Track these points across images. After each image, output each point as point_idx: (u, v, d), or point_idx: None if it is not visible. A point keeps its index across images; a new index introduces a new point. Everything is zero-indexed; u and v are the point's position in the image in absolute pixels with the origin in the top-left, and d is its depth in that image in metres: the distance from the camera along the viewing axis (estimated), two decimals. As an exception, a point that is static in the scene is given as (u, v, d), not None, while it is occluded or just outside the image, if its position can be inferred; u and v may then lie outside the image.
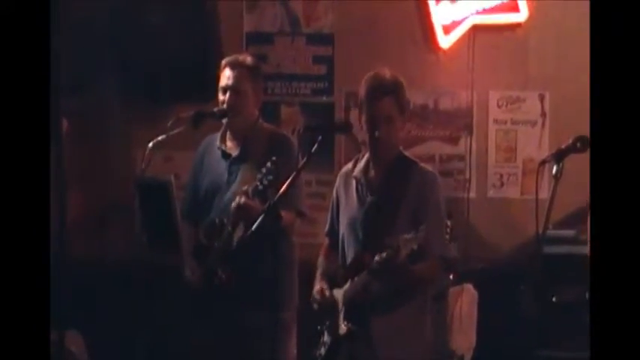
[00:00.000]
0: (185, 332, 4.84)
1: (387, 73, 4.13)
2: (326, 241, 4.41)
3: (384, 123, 4.06)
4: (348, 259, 4.16)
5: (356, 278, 4.03)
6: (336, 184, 4.34)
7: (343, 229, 4.22)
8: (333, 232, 4.32)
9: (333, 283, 4.18)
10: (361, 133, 5.96)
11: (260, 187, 4.20)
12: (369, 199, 4.12)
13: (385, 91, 4.06)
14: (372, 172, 4.17)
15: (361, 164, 4.21)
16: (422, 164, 4.21)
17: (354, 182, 4.20)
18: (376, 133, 4.08)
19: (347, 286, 4.07)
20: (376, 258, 3.83)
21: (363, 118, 4.13)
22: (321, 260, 4.38)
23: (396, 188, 4.07)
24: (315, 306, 4.18)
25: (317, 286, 4.23)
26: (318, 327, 4.18)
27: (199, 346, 4.65)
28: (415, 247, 3.72)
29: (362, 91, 4.16)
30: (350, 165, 4.30)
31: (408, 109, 4.21)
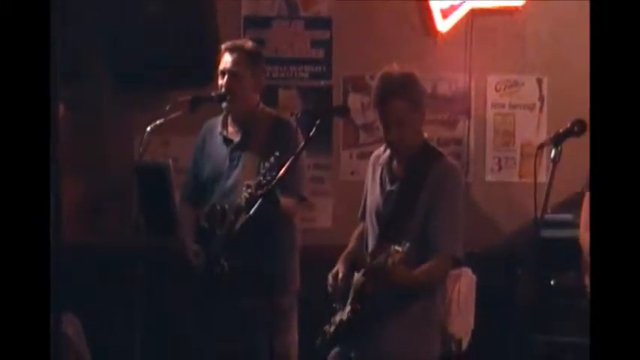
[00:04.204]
0: (184, 317, 4.86)
1: (395, 71, 4.05)
2: (360, 225, 4.39)
3: (396, 126, 4.02)
4: (369, 247, 4.18)
5: (363, 270, 4.04)
6: (368, 167, 4.33)
7: (367, 215, 4.24)
8: (364, 217, 4.32)
9: (356, 266, 4.17)
10: (359, 117, 6.06)
11: (263, 181, 4.20)
12: (388, 188, 4.12)
13: (393, 95, 3.99)
14: (394, 162, 4.16)
15: (388, 152, 4.18)
16: (446, 156, 4.18)
17: (379, 169, 4.20)
18: (388, 136, 4.07)
19: (360, 273, 4.07)
20: (374, 260, 3.86)
21: (377, 118, 4.10)
22: (351, 241, 4.38)
23: (416, 179, 4.05)
24: (330, 289, 4.18)
25: (334, 269, 4.22)
26: (334, 305, 4.18)
27: (198, 330, 4.67)
28: (397, 261, 3.74)
29: (372, 90, 4.12)
30: (381, 149, 4.27)
31: (424, 103, 4.12)
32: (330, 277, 4.20)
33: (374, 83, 4.11)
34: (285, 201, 4.38)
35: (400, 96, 3.99)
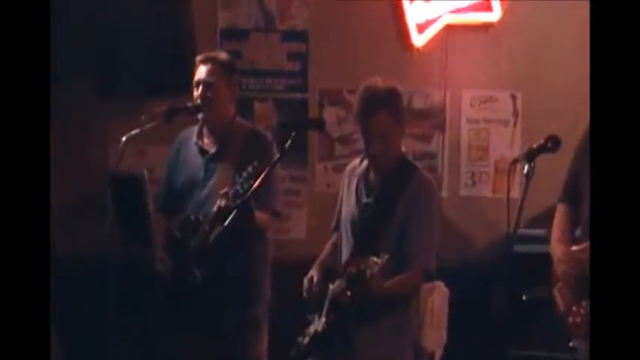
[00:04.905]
0: (157, 326, 4.84)
1: (379, 84, 4.07)
2: (334, 236, 4.40)
3: (378, 139, 4.05)
4: (343, 257, 4.19)
5: (338, 281, 4.07)
6: (343, 179, 4.35)
7: (341, 226, 4.26)
8: (339, 228, 4.33)
9: (329, 277, 4.20)
10: (335, 129, 6.08)
11: (240, 191, 4.20)
12: (364, 200, 4.15)
13: (378, 108, 4.02)
14: (372, 174, 4.18)
15: (364, 164, 4.22)
16: (422, 171, 4.22)
17: (355, 180, 4.22)
18: (370, 149, 4.09)
19: (336, 284, 4.10)
20: (352, 271, 3.87)
21: (359, 131, 4.13)
22: (324, 251, 4.39)
23: (392, 192, 4.09)
24: (304, 294, 4.20)
25: (309, 274, 4.25)
26: (308, 316, 4.21)
27: (172, 340, 4.65)
28: (375, 272, 3.77)
29: (355, 103, 4.14)
30: (357, 161, 4.30)
31: (405, 117, 4.18)
32: (305, 282, 4.22)
33: (357, 96, 4.13)
34: (260, 215, 4.40)
35: (384, 109, 4.02)
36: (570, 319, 3.86)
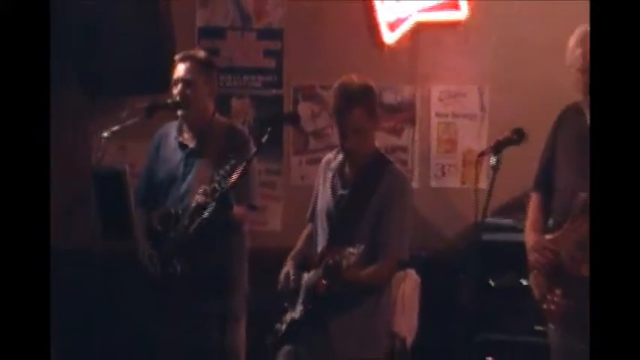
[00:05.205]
0: (137, 317, 4.92)
1: (354, 81, 4.15)
2: (308, 226, 4.47)
3: (353, 134, 4.12)
4: (319, 247, 4.26)
5: (314, 270, 4.15)
6: (318, 171, 4.42)
7: (317, 217, 4.33)
8: (313, 219, 4.40)
9: (304, 266, 4.27)
10: (309, 124, 6.16)
11: (218, 188, 4.26)
12: (340, 192, 4.23)
13: (353, 104, 4.09)
14: (347, 168, 4.26)
15: (340, 157, 4.29)
16: (396, 165, 4.30)
17: (331, 174, 4.30)
18: (346, 144, 4.18)
19: (312, 273, 4.17)
20: (329, 262, 3.94)
21: (335, 126, 4.21)
22: (299, 241, 4.46)
23: (367, 185, 4.16)
24: (280, 287, 4.29)
25: (284, 269, 4.32)
26: (285, 304, 4.29)
27: (151, 330, 4.74)
28: (351, 263, 3.85)
29: (331, 99, 4.21)
30: (332, 154, 4.37)
31: (378, 113, 4.25)
32: (281, 276, 4.30)
33: (332, 92, 4.20)
34: (237, 209, 4.47)
35: (359, 105, 4.10)
36: (545, 306, 3.90)
